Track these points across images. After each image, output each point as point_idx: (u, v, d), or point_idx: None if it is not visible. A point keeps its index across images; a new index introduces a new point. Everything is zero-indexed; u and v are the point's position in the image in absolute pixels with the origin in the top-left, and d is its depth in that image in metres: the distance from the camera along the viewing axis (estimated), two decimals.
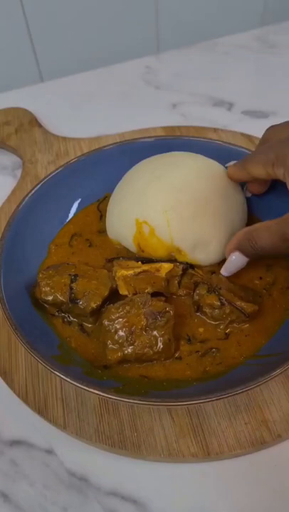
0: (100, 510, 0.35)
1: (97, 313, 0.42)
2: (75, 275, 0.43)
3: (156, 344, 0.39)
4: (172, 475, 0.36)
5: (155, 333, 0.39)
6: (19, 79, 0.76)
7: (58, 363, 0.37)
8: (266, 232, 0.38)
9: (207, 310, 0.42)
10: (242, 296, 0.41)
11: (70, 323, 0.43)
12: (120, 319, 0.39)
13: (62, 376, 0.35)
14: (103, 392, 0.34)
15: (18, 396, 0.40)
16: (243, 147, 0.52)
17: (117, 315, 0.39)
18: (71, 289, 0.42)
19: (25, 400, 0.39)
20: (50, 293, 0.42)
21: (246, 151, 0.51)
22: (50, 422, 0.38)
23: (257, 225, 0.40)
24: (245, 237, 0.40)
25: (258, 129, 0.62)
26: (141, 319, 0.39)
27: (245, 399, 0.38)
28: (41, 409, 0.39)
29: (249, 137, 0.60)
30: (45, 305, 0.43)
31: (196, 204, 0.44)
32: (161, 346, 0.39)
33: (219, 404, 0.38)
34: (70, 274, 0.43)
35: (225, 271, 0.43)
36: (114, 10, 0.74)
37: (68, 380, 0.35)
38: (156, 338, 0.39)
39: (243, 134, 0.61)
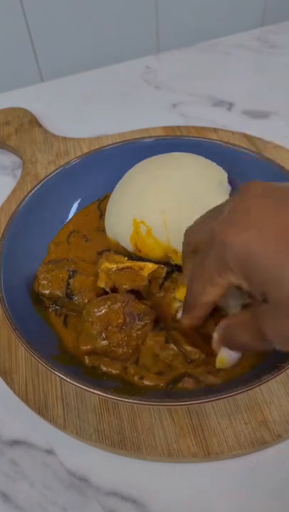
0: (99, 510, 0.35)
1: None
2: (74, 271, 0.43)
3: (126, 345, 0.39)
4: (172, 475, 0.36)
5: (129, 334, 0.39)
6: (19, 79, 0.76)
7: (58, 363, 0.37)
8: (242, 327, 0.31)
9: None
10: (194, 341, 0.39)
11: (60, 315, 0.43)
12: (99, 313, 0.39)
13: (62, 376, 0.35)
14: (103, 392, 0.34)
15: (18, 396, 0.40)
16: (243, 147, 0.52)
17: (97, 309, 0.40)
18: (68, 284, 0.42)
19: (25, 400, 0.39)
20: (48, 286, 0.43)
21: (246, 151, 0.51)
22: (50, 422, 0.38)
23: (231, 320, 0.33)
24: (225, 333, 0.33)
25: (258, 129, 0.62)
26: (119, 317, 0.39)
27: (245, 399, 0.38)
28: (41, 409, 0.39)
29: (249, 137, 0.60)
30: (42, 298, 0.44)
31: (193, 206, 0.44)
32: (130, 350, 0.39)
33: (219, 404, 0.38)
34: (68, 270, 0.43)
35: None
36: (115, 10, 0.74)
37: (68, 380, 0.35)
38: (128, 339, 0.39)
39: (243, 134, 0.61)
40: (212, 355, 0.37)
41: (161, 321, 0.41)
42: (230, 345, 0.34)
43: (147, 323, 0.39)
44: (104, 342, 0.39)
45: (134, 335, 0.39)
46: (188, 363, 0.38)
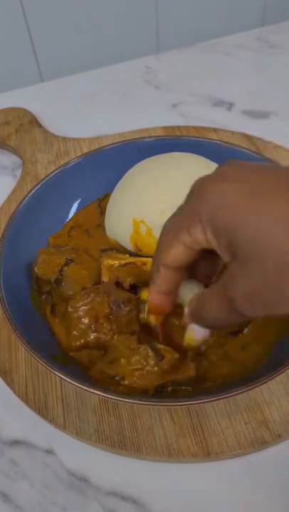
0: (99, 510, 0.35)
1: None
2: (71, 260, 0.44)
3: (118, 334, 0.39)
4: (172, 475, 0.36)
5: (118, 321, 0.39)
6: (19, 79, 0.76)
7: (58, 363, 0.37)
8: (212, 298, 0.30)
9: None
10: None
11: (50, 303, 0.44)
12: (84, 307, 0.40)
13: (62, 376, 0.35)
14: (103, 392, 0.34)
15: (18, 396, 0.40)
16: (243, 147, 0.52)
17: (82, 302, 0.40)
18: (61, 270, 0.43)
19: (25, 400, 0.39)
20: (42, 268, 0.44)
21: (246, 151, 0.51)
22: (50, 422, 0.38)
23: (204, 291, 0.32)
24: (196, 307, 0.32)
25: (258, 129, 0.62)
26: (105, 307, 0.39)
27: (245, 399, 0.38)
28: (41, 409, 0.39)
29: (249, 137, 0.60)
30: (39, 279, 0.44)
31: None
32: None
33: (219, 404, 0.38)
34: (67, 258, 0.44)
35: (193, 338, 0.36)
36: (114, 10, 0.74)
37: (68, 380, 0.35)
38: (118, 327, 0.39)
39: (243, 134, 0.61)
40: (185, 357, 0.37)
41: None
42: (201, 321, 0.32)
43: (132, 309, 0.40)
44: (95, 334, 0.39)
45: (123, 322, 0.39)
46: (159, 361, 0.36)
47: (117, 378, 0.37)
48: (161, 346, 0.37)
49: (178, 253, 0.30)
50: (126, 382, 0.36)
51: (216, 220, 0.26)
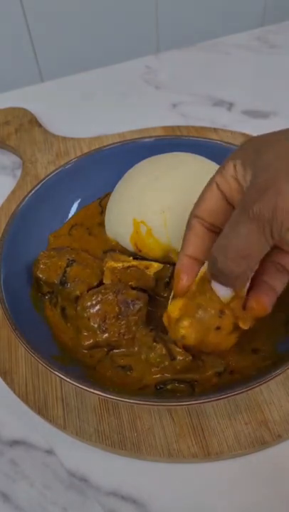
0: (99, 510, 0.35)
1: None
2: (73, 260, 0.44)
3: (127, 332, 0.39)
4: (172, 475, 0.36)
5: (127, 320, 0.39)
6: (19, 79, 0.76)
7: (58, 363, 0.37)
8: (236, 229, 0.28)
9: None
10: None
11: (55, 304, 0.44)
12: (94, 306, 0.40)
13: (62, 376, 0.35)
14: (103, 392, 0.34)
15: (18, 396, 0.40)
16: None
17: (91, 302, 0.40)
18: (65, 272, 0.43)
19: (25, 400, 0.39)
20: (45, 272, 0.44)
21: None
22: (50, 422, 0.38)
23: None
24: (216, 251, 0.30)
25: (258, 129, 0.62)
26: (114, 307, 0.40)
27: (245, 399, 0.38)
28: (41, 409, 0.39)
29: (249, 137, 0.60)
30: (40, 282, 0.44)
31: (193, 205, 0.44)
32: (131, 335, 0.39)
33: (219, 404, 0.38)
34: (68, 259, 0.44)
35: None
36: (114, 10, 0.74)
37: (68, 380, 0.35)
38: (127, 325, 0.39)
39: (243, 134, 0.61)
40: (200, 358, 0.37)
41: (154, 320, 0.41)
42: (221, 269, 0.29)
43: (141, 307, 0.40)
44: (106, 335, 0.39)
45: (132, 321, 0.39)
46: (171, 360, 0.37)
47: (125, 369, 0.38)
48: (174, 347, 0.38)
49: (212, 198, 0.32)
50: (134, 374, 0.38)
51: (245, 154, 0.30)
